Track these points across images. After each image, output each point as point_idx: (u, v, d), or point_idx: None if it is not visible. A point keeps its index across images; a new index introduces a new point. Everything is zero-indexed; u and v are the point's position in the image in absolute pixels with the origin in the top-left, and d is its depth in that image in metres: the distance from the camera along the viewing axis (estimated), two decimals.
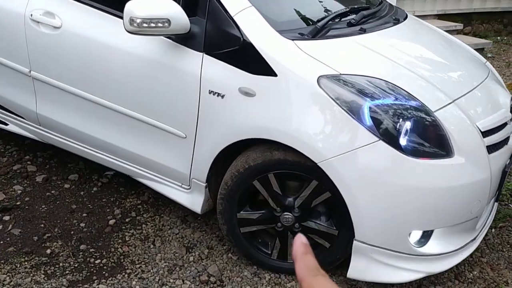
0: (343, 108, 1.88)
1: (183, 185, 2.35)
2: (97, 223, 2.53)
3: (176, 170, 2.32)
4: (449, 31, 4.90)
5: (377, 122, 1.87)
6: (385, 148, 1.85)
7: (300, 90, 1.94)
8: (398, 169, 1.86)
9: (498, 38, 7.05)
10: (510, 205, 2.89)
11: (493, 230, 2.62)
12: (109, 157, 2.55)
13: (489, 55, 6.04)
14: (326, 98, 1.90)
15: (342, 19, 2.29)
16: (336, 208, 2.02)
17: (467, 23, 6.79)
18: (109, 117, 2.41)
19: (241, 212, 2.17)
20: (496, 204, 2.43)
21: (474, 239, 2.15)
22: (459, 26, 6.25)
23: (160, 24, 2.00)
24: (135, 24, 1.98)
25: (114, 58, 2.29)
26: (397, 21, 2.54)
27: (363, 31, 2.24)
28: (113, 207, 2.66)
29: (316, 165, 1.92)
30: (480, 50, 5.65)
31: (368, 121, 1.87)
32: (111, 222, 2.53)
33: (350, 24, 2.25)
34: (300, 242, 0.63)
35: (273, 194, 2.09)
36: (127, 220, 2.56)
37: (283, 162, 2.01)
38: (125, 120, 2.37)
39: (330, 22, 2.19)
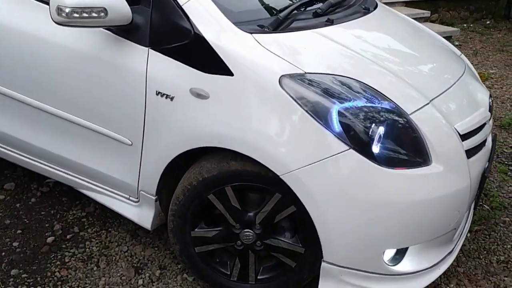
0: (308, 113, 1.65)
1: (130, 198, 2.08)
2: (33, 241, 2.23)
3: (122, 181, 2.05)
4: (417, 19, 4.75)
5: (346, 127, 1.64)
6: (356, 158, 1.63)
7: (260, 91, 1.69)
8: (371, 182, 1.64)
9: (465, 25, 6.97)
10: (484, 205, 2.74)
11: (468, 234, 2.46)
12: (47, 166, 2.24)
13: (456, 43, 5.94)
14: (289, 101, 1.66)
15: (307, 9, 2.04)
16: (302, 224, 1.80)
17: (434, 10, 6.68)
18: (44, 121, 2.11)
19: (196, 229, 1.92)
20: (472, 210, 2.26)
21: (451, 251, 1.97)
22: (427, 13, 6.12)
23: (94, 14, 1.70)
24: (63, 14, 1.68)
25: (47, 52, 1.98)
26: (367, 11, 2.31)
27: (330, 22, 2.00)
28: (53, 221, 2.36)
29: (278, 177, 1.68)
30: (448, 38, 5.53)
31: (337, 127, 1.64)
32: (50, 240, 2.23)
33: (316, 15, 2.02)
34: None
35: (231, 209, 1.84)
36: (68, 237, 2.26)
37: (241, 174, 1.77)
38: (63, 125, 2.07)
39: (294, 12, 1.94)
